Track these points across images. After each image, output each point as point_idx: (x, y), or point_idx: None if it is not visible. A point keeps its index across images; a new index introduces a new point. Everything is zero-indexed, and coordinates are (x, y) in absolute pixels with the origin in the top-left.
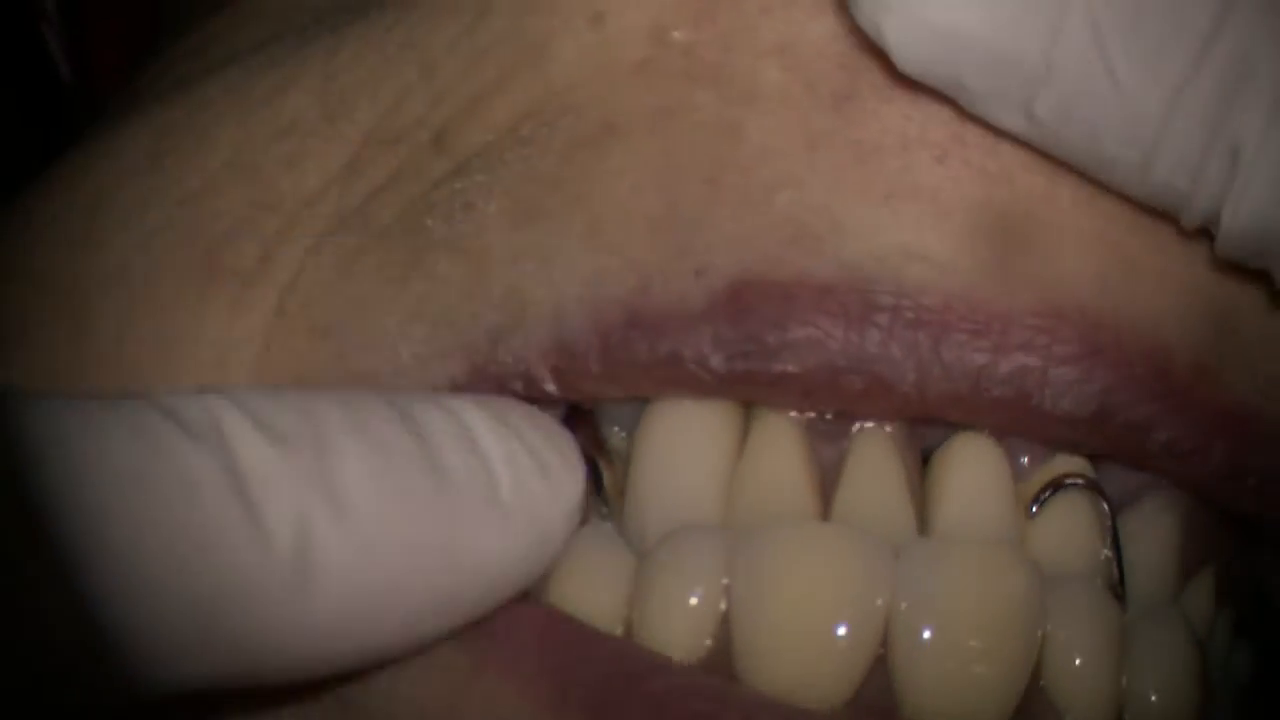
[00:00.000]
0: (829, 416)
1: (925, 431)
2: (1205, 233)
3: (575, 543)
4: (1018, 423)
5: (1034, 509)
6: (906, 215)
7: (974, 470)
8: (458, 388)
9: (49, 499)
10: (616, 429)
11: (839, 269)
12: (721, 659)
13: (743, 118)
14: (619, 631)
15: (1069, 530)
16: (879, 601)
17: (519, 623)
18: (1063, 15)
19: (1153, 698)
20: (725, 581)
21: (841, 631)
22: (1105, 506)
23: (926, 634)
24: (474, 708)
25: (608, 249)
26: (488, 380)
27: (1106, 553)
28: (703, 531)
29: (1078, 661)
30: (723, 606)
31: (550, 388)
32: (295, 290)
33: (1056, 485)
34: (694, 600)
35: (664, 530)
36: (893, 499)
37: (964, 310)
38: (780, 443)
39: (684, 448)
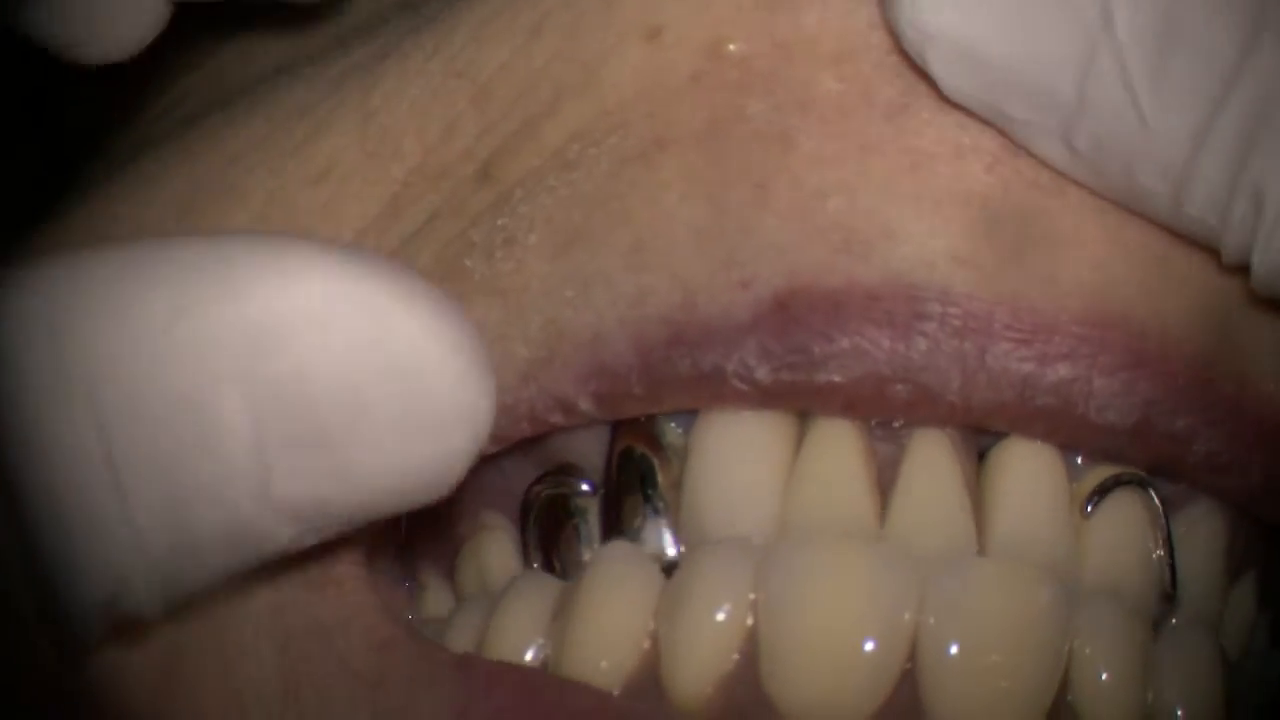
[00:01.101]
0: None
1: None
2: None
3: (601, 557)
4: (1061, 432)
5: (1089, 508)
6: (956, 222)
7: (1029, 470)
8: None
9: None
10: (673, 425)
11: (887, 275)
12: (749, 674)
13: (796, 126)
14: (646, 646)
15: (1123, 530)
16: (906, 617)
17: (496, 689)
18: (1093, 52)
19: (1179, 713)
20: (753, 596)
21: (869, 647)
22: (1159, 505)
23: (953, 649)
24: None
25: (651, 266)
26: (519, 417)
27: (1159, 553)
28: (731, 546)
29: (1104, 677)
30: (750, 621)
31: (589, 409)
32: None
33: (1110, 485)
34: (721, 615)
35: (722, 532)
36: (951, 501)
37: (1009, 318)
38: (838, 442)
39: (741, 449)
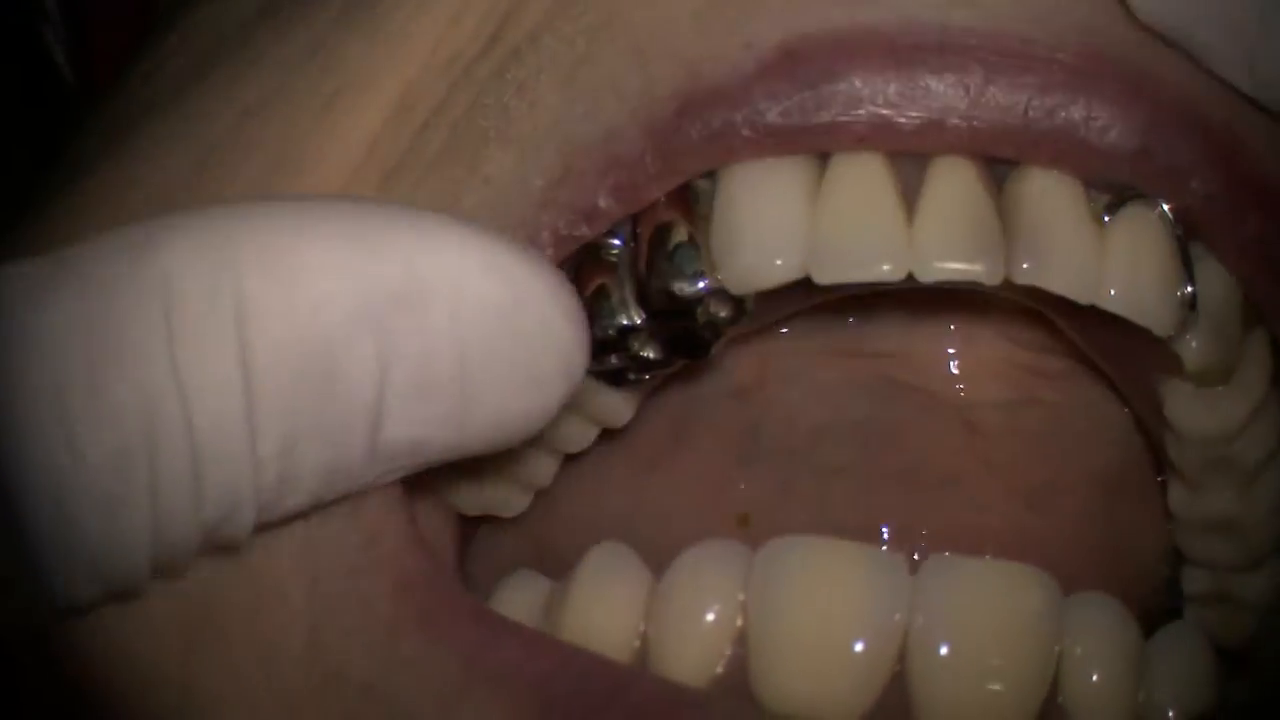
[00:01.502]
0: None
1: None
2: None
3: (591, 560)
4: (1067, 157)
5: (1105, 219)
6: None
7: (1048, 186)
8: None
9: None
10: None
11: (888, 14)
12: (737, 675)
13: None
14: (635, 647)
15: (1141, 237)
16: (896, 618)
17: (506, 643)
18: None
19: (1170, 714)
20: (741, 598)
21: (859, 648)
22: (1172, 221)
23: (944, 650)
24: None
25: (656, 58)
26: (542, 244)
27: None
28: (720, 548)
29: (1095, 678)
30: (739, 623)
31: (609, 204)
32: None
33: (1127, 197)
34: (710, 616)
35: (758, 275)
36: (976, 213)
37: (1009, 49)
38: (859, 169)
39: (765, 187)
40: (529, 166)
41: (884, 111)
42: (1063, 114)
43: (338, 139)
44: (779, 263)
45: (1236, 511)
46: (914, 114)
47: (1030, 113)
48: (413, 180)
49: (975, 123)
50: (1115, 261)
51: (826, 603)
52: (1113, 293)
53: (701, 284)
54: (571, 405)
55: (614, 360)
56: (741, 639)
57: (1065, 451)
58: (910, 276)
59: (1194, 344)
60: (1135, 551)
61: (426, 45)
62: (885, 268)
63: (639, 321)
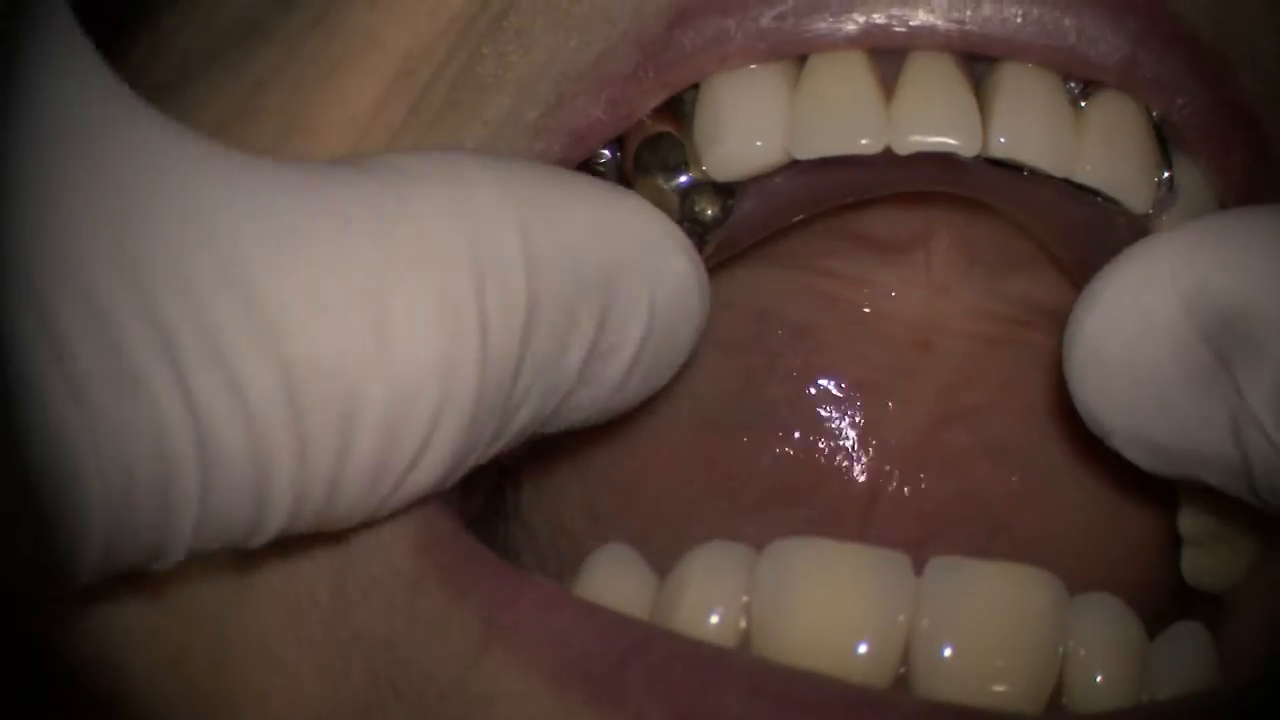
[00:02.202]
0: None
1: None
2: None
3: (595, 562)
4: (1053, 63)
5: (1083, 105)
6: None
7: (1025, 72)
8: None
9: None
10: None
11: None
12: None
13: None
14: None
15: (1117, 120)
16: (900, 619)
17: (525, 599)
18: (1238, 427)
19: None
20: (746, 599)
21: (862, 650)
22: (1150, 112)
23: (947, 652)
24: (481, 681)
25: None
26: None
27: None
28: (725, 550)
29: (1098, 679)
30: (743, 624)
31: (603, 115)
32: None
33: (1095, 84)
34: (714, 619)
35: (741, 159)
36: (953, 95)
37: None
38: (839, 59)
39: (745, 85)
40: (524, 103)
41: (878, 19)
42: (1052, 24)
43: (345, 103)
44: (759, 144)
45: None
46: (907, 21)
47: (1021, 20)
48: (415, 136)
49: (966, 27)
50: (1092, 138)
51: (830, 604)
52: (1089, 167)
53: (684, 178)
54: None
55: None
56: (746, 641)
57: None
58: (888, 151)
59: (1171, 225)
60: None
61: (426, 6)
62: (864, 141)
63: None
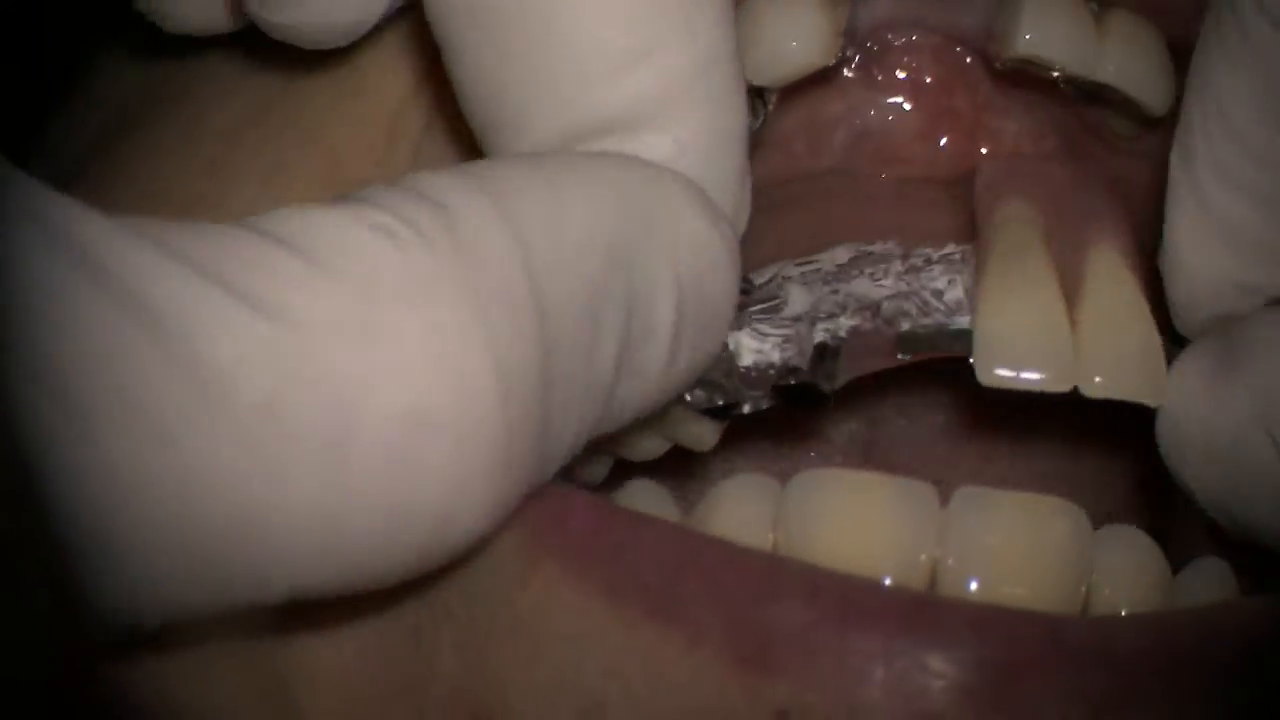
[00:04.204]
0: None
1: None
2: None
3: (621, 498)
4: None
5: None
6: None
7: None
8: None
9: None
10: None
11: None
12: None
13: None
14: None
15: (1136, 34)
16: (924, 555)
17: (574, 514)
18: None
19: None
20: (771, 536)
21: (887, 583)
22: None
23: (973, 585)
24: (533, 598)
25: None
26: None
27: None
28: (750, 484)
29: (1123, 614)
30: None
31: None
32: None
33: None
34: None
35: (778, 62)
36: None
37: None
38: None
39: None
40: None
41: None
42: None
43: (365, 119)
44: (795, 44)
45: None
46: None
47: None
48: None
49: None
50: (1113, 41)
51: (854, 539)
52: (1111, 68)
53: None
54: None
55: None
56: None
57: None
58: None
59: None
60: None
61: (405, 77)
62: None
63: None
